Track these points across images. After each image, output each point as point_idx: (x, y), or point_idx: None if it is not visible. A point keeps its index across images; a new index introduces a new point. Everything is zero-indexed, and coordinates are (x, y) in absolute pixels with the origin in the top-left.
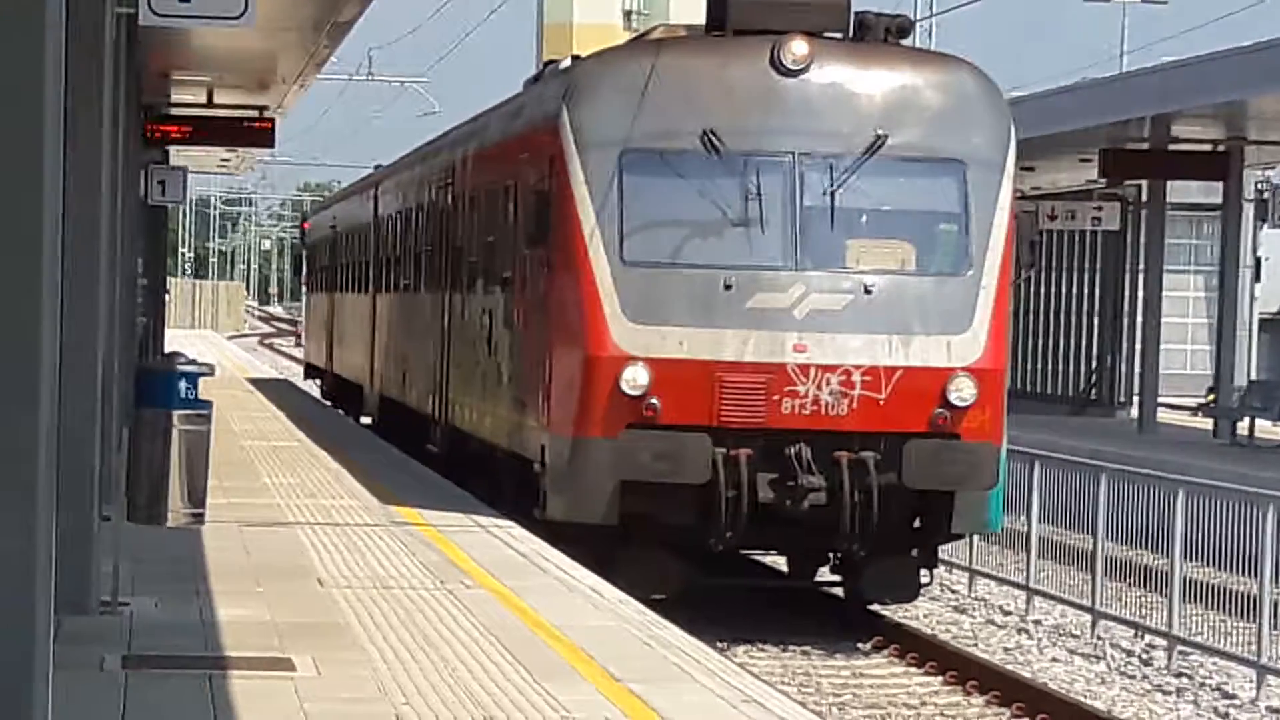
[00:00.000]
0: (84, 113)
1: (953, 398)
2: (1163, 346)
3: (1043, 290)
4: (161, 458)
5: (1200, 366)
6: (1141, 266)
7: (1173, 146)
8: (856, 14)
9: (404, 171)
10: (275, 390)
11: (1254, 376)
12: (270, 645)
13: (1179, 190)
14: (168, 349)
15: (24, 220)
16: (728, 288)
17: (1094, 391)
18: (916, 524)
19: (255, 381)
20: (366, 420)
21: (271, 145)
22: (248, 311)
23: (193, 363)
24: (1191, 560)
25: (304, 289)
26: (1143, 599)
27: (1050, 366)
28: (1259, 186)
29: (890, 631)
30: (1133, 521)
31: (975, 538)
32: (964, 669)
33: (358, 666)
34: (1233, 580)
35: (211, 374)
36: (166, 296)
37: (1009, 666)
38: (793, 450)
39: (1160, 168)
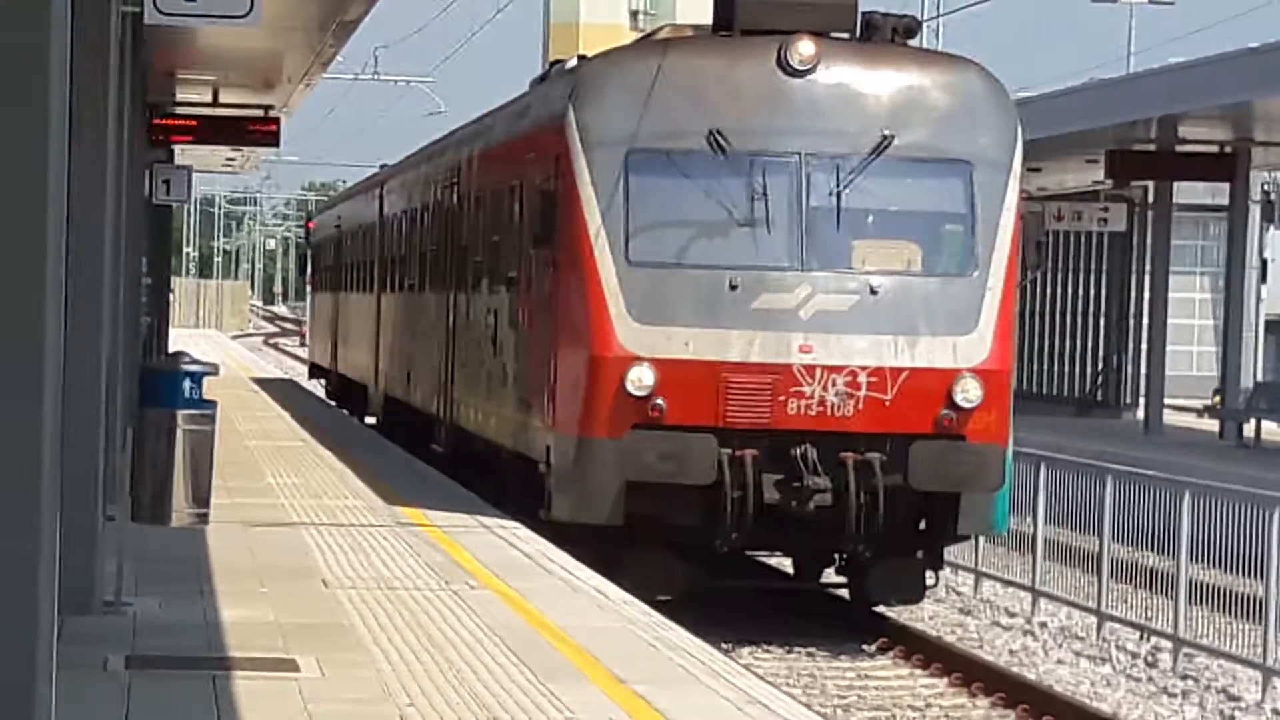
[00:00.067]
0: (89, 112)
1: (959, 399)
2: (1169, 348)
3: (1049, 291)
4: (166, 457)
5: (1206, 368)
6: (1148, 268)
7: (1179, 148)
8: (863, 14)
9: (409, 171)
10: (280, 390)
11: (1260, 378)
12: (274, 646)
13: (1185, 191)
14: (172, 349)
15: (28, 219)
16: (733, 288)
17: (1100, 393)
18: (922, 525)
19: (260, 381)
20: (371, 420)
21: (277, 144)
22: (252, 311)
23: (197, 362)
24: (1197, 562)
25: (309, 288)
26: (1148, 601)
27: (1056, 368)
28: (1265, 188)
29: (896, 633)
30: (1139, 523)
31: (981, 539)
32: (969, 671)
33: (362, 668)
34: (1239, 582)
35: (216, 374)
36: (171, 296)
37: (1014, 668)
38: (798, 451)
39: (1167, 169)
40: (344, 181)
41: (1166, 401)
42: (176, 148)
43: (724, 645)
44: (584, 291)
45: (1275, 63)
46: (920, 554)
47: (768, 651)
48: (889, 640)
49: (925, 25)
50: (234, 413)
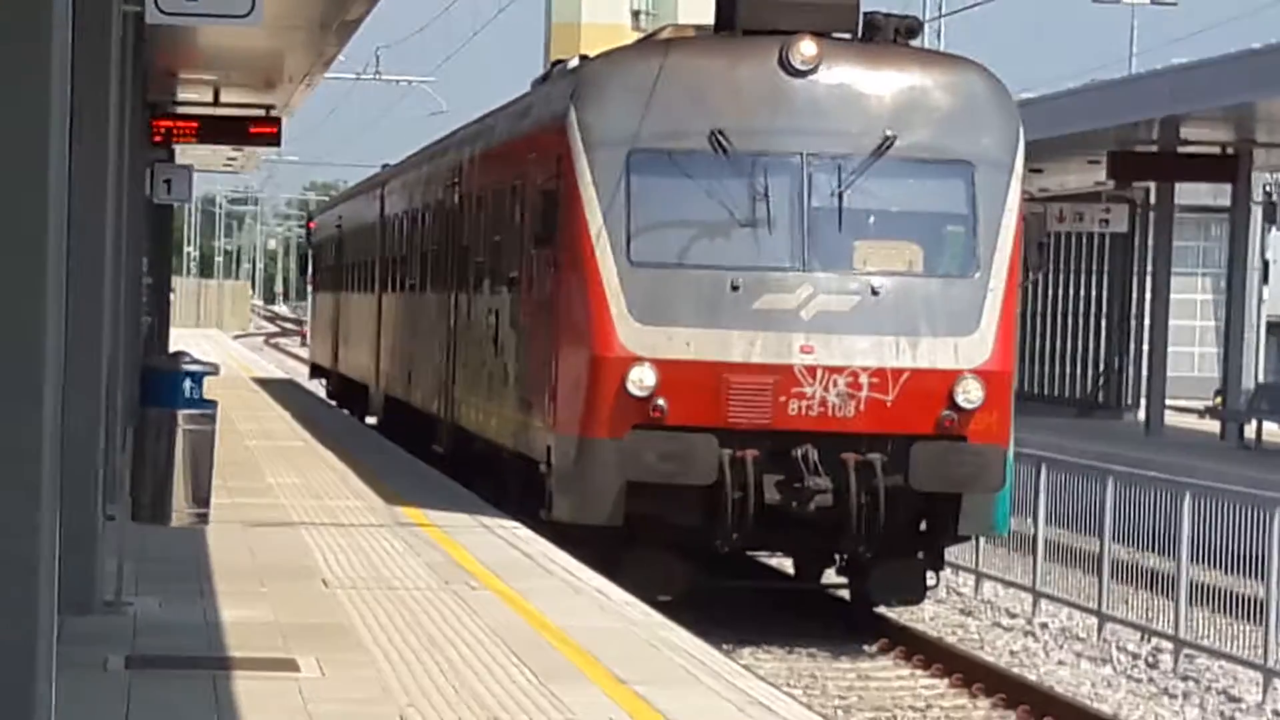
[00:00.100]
0: (90, 111)
1: (960, 400)
2: (1170, 349)
3: (1050, 292)
4: (166, 457)
5: (1208, 369)
6: (1149, 269)
7: (1181, 149)
8: (865, 14)
9: (411, 171)
10: (280, 390)
11: (1261, 379)
12: (274, 646)
13: (1187, 192)
14: (173, 348)
15: (28, 219)
16: (735, 288)
17: (1101, 394)
18: (923, 526)
19: (260, 381)
20: (372, 420)
21: (278, 144)
22: (253, 311)
23: (197, 362)
24: (1198, 563)
25: (310, 288)
26: (1149, 602)
27: (1057, 369)
28: (1267, 189)
29: (896, 634)
30: (1139, 524)
31: (982, 540)
32: (970, 672)
33: (362, 668)
34: (1239, 583)
35: (216, 373)
36: (172, 295)
37: (1015, 669)
38: (799, 452)
39: (1169, 170)
40: (345, 181)
41: (1168, 403)
42: (177, 147)
43: (724, 646)
44: (585, 291)
45: (1277, 64)
46: (921, 555)
47: (768, 652)
48: (890, 641)
49: (927, 26)
50: (234, 412)
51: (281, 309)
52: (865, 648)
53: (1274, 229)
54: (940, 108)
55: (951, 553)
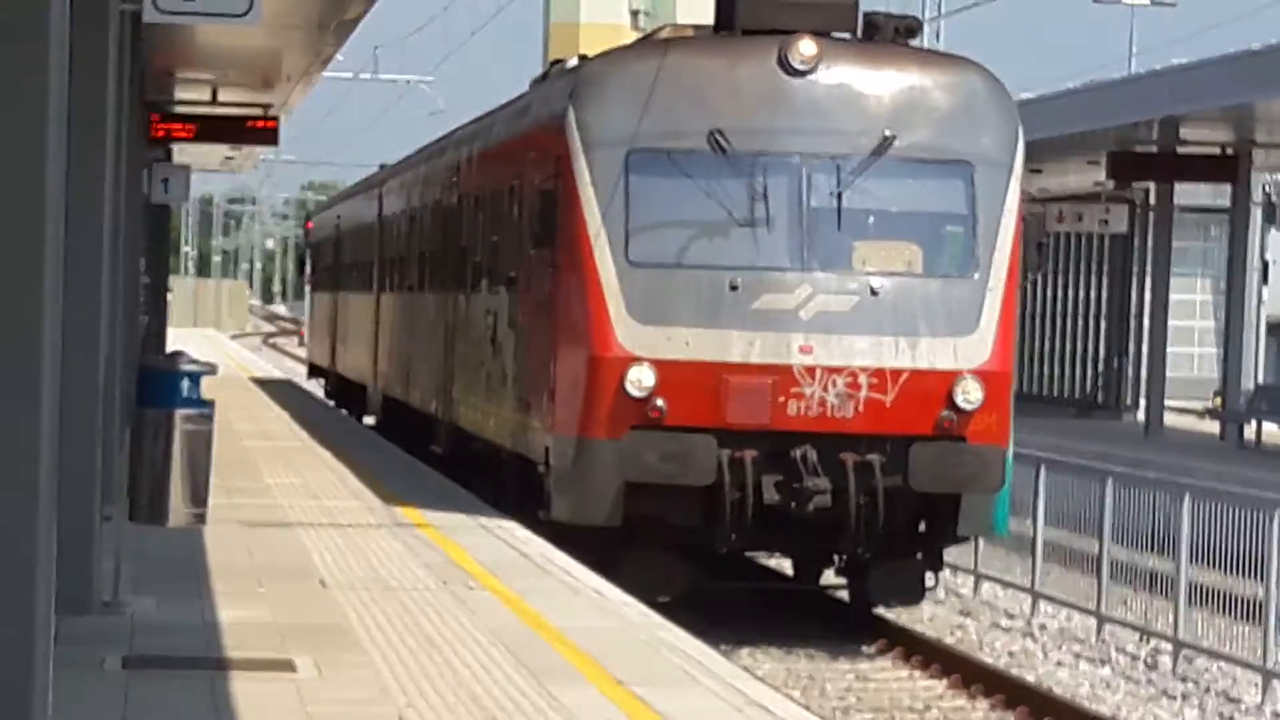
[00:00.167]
0: (87, 110)
1: (959, 400)
2: (1169, 350)
3: (1050, 293)
4: (163, 457)
5: (1207, 370)
6: (1149, 269)
7: (1181, 149)
8: (865, 14)
9: (409, 171)
10: (278, 390)
11: (1261, 380)
12: (272, 646)
13: (1187, 193)
14: (170, 348)
15: (26, 219)
16: (734, 288)
17: (1100, 395)
18: (922, 527)
19: (258, 381)
20: (370, 420)
21: (275, 144)
22: (251, 311)
23: (195, 362)
24: (1197, 564)
25: (308, 288)
26: (1148, 603)
27: (1057, 369)
28: (1267, 190)
29: (895, 635)
30: (1139, 525)
31: (981, 541)
32: (969, 673)
33: (360, 668)
34: (1238, 585)
35: (214, 373)
36: (169, 295)
37: (1014, 670)
38: (798, 452)
39: (1168, 170)
40: (343, 181)
41: (1167, 403)
42: (175, 146)
43: (723, 646)
44: (584, 291)
45: (1277, 64)
46: (920, 555)
47: (767, 653)
48: (888, 642)
49: (926, 26)
50: (232, 413)
51: (279, 309)
52: (864, 648)
53: (1273, 229)
54: (940, 108)
55: (950, 553)
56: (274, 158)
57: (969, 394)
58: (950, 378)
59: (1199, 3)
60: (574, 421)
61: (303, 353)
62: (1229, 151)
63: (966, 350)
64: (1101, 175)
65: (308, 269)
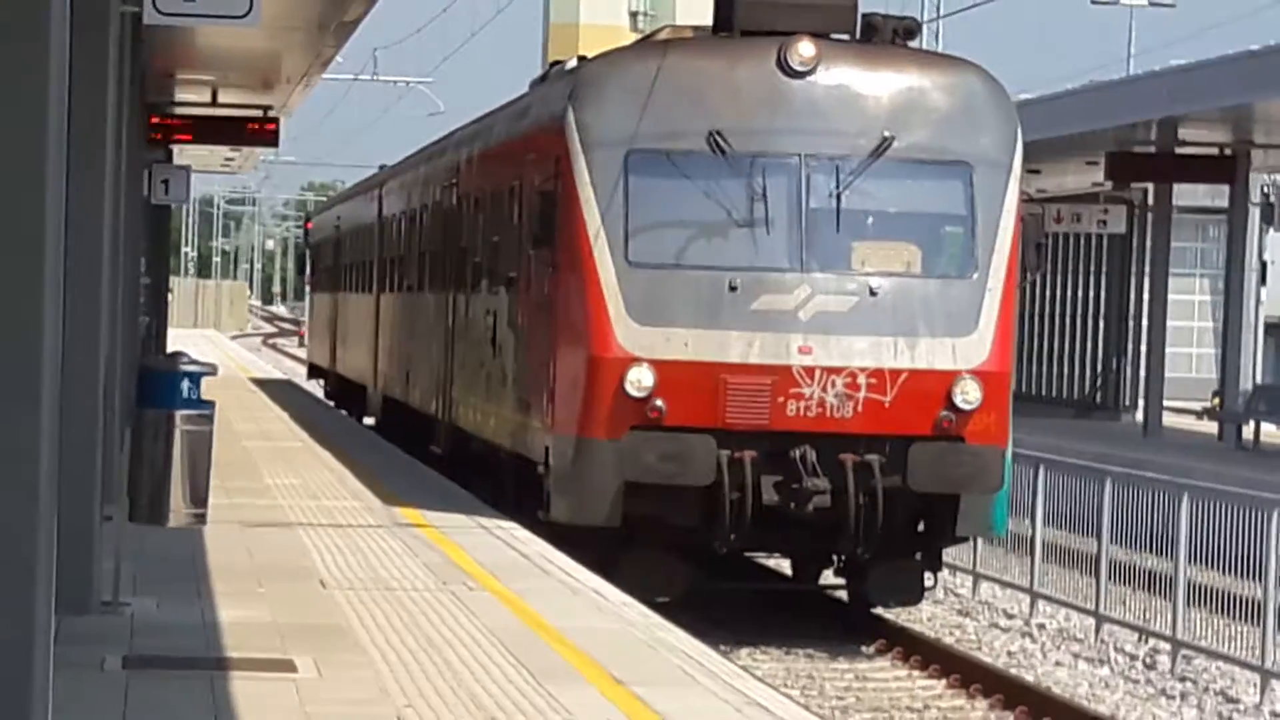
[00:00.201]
0: (87, 111)
1: (958, 400)
2: (1168, 350)
3: (1048, 293)
4: (163, 458)
5: (1206, 370)
6: (1147, 270)
7: (1179, 150)
8: (864, 15)
9: (409, 172)
10: (278, 390)
11: (1259, 380)
12: (272, 646)
13: (1185, 194)
14: (170, 348)
15: (26, 219)
16: (733, 289)
17: (1099, 395)
18: (921, 527)
19: (258, 381)
20: (370, 421)
21: (275, 145)
22: (251, 311)
23: (195, 362)
24: (1196, 564)
25: (308, 289)
26: (1147, 603)
27: (1056, 369)
28: (1265, 190)
29: (894, 635)
30: (1137, 525)
31: (979, 541)
32: (968, 673)
33: (359, 668)
34: (1237, 584)
35: (214, 374)
36: (169, 296)
37: (1013, 670)
38: (797, 453)
39: (1166, 171)
40: (343, 182)
41: (1166, 403)
42: (175, 147)
43: (722, 647)
44: (583, 292)
45: (1275, 65)
46: (919, 556)
47: (766, 653)
48: (887, 642)
49: (925, 27)
50: (232, 413)
51: (279, 309)
52: (863, 648)
53: (1271, 230)
54: (938, 108)
55: (949, 553)
56: (274, 159)
57: (968, 394)
58: (949, 378)
59: (1198, 3)
60: (573, 422)
61: (303, 353)
62: (1227, 152)
63: (965, 350)
64: (1100, 176)
65: (308, 269)
